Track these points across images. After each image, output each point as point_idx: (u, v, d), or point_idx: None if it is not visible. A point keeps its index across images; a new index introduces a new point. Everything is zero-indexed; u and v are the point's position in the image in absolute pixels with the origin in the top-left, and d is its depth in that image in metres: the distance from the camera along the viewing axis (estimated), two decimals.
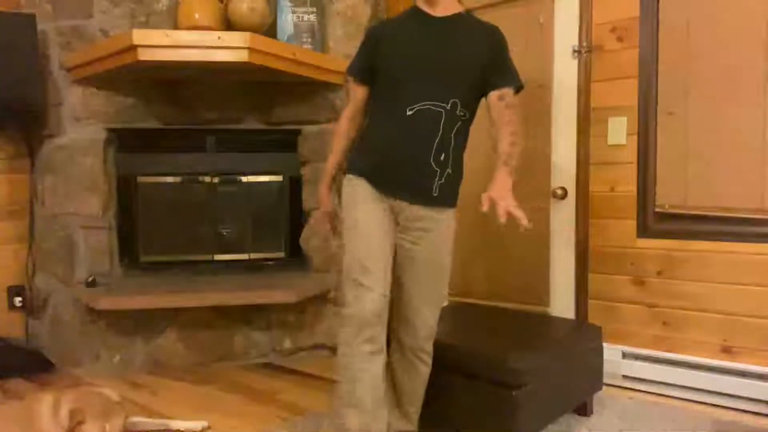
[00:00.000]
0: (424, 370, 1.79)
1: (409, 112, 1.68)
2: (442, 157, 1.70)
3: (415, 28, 1.75)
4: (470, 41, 1.74)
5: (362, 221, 1.70)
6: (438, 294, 1.77)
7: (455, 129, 1.72)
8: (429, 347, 1.77)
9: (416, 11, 1.78)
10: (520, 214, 1.48)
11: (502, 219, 1.50)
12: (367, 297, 1.61)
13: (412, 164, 1.69)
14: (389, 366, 1.83)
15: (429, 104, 1.68)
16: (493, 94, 1.75)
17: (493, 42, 1.77)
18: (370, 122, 1.82)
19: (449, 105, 1.69)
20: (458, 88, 1.71)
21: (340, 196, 1.87)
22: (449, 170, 1.72)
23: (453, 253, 1.82)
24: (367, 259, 1.64)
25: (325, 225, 1.99)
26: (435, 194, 1.71)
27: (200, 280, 3.01)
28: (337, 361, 1.66)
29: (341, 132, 1.92)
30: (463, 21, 1.77)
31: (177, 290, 2.77)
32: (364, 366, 1.61)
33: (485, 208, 1.51)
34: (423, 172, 1.69)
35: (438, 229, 1.74)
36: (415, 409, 1.84)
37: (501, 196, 1.53)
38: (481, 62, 1.73)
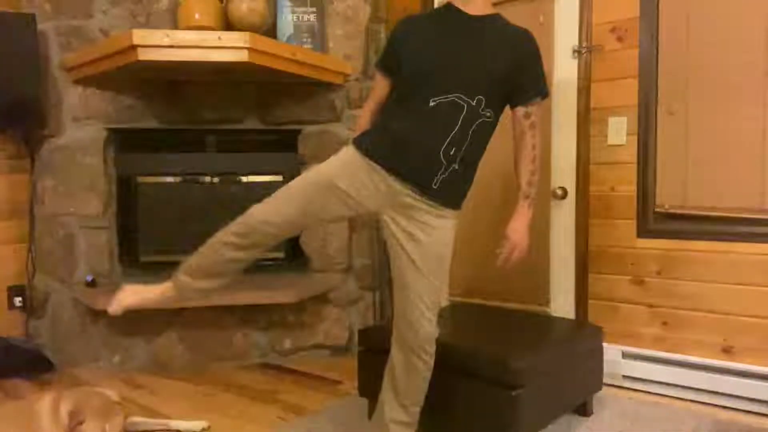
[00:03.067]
0: (424, 369, 1.77)
1: (432, 103, 1.68)
2: (452, 151, 1.68)
3: (446, 23, 1.77)
4: (500, 43, 1.74)
5: (310, 177, 1.77)
6: (436, 294, 1.76)
7: (474, 126, 1.70)
8: (430, 347, 1.76)
9: (450, 7, 1.79)
10: (517, 256, 1.83)
11: (505, 256, 1.82)
12: (257, 213, 1.81)
13: (420, 150, 1.67)
14: (390, 359, 1.83)
15: (453, 97, 1.68)
16: (520, 110, 1.78)
17: (525, 48, 1.78)
18: (389, 107, 1.84)
19: (474, 101, 1.69)
20: (484, 86, 1.70)
21: None
22: (456, 166, 1.70)
23: (453, 253, 1.81)
24: (280, 201, 1.79)
25: None
26: (435, 186, 1.69)
27: None
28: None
29: (362, 125, 1.94)
30: (496, 22, 1.78)
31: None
32: (219, 249, 1.93)
33: (503, 251, 1.82)
34: (428, 161, 1.68)
35: (436, 226, 1.71)
36: (413, 404, 1.83)
37: (519, 241, 1.81)
38: (508, 65, 1.72)
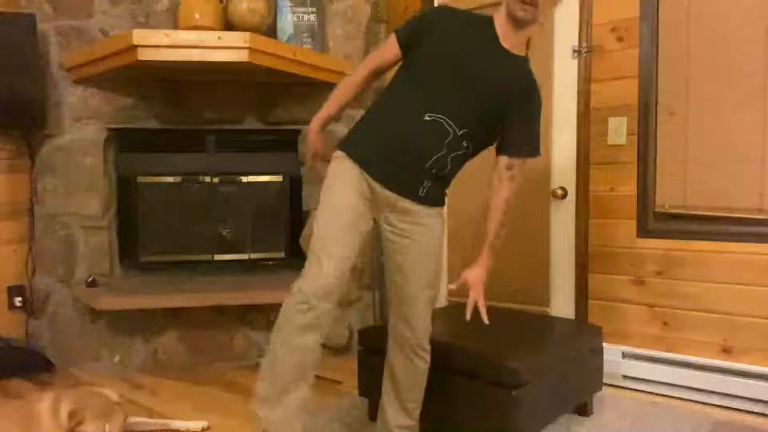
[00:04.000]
0: (423, 366, 1.79)
1: (427, 118, 1.63)
2: (434, 170, 1.69)
3: (479, 43, 1.65)
4: (513, 85, 1.69)
5: (337, 203, 1.67)
6: (432, 289, 1.77)
7: (454, 154, 1.69)
8: (426, 344, 1.77)
9: (489, 28, 1.66)
10: (483, 312, 1.74)
11: (468, 312, 1.74)
12: (320, 275, 1.60)
13: (410, 164, 1.67)
14: (388, 362, 1.84)
15: (444, 120, 1.64)
16: (504, 159, 1.74)
17: (531, 100, 1.72)
18: (381, 108, 1.75)
19: (460, 131, 1.66)
20: (478, 122, 1.67)
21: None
22: (436, 180, 1.72)
23: (454, 254, 1.82)
24: (329, 239, 1.64)
25: (315, 166, 1.94)
26: (421, 194, 1.71)
27: (200, 280, 3.01)
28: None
29: (354, 82, 1.80)
30: (523, 67, 1.70)
31: (177, 290, 2.77)
32: (292, 338, 1.61)
33: (454, 287, 1.76)
34: (416, 174, 1.68)
35: (427, 224, 1.73)
36: (415, 405, 1.84)
37: (476, 285, 1.75)
38: (510, 108, 1.69)
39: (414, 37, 1.68)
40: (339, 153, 1.75)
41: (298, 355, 1.61)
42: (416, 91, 1.66)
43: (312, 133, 1.88)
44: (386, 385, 1.85)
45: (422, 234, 1.72)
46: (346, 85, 1.83)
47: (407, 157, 1.66)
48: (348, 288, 1.70)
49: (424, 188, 1.70)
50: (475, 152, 1.75)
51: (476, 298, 1.75)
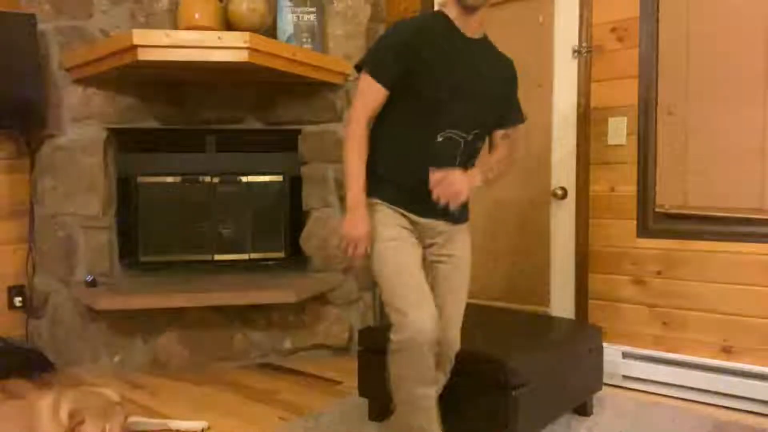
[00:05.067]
0: (444, 381, 1.82)
1: (439, 139, 1.63)
2: None
3: (454, 47, 1.63)
4: (499, 70, 1.73)
5: (396, 253, 1.63)
6: (463, 303, 1.81)
7: (469, 161, 1.72)
8: (453, 358, 1.80)
9: (447, 23, 1.64)
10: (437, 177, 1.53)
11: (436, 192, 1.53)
12: (418, 322, 1.53)
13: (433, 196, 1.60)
14: (438, 385, 1.82)
15: (453, 133, 1.64)
16: (499, 133, 1.79)
17: (512, 76, 1.78)
18: (386, 147, 1.68)
19: (471, 136, 1.67)
20: (483, 119, 1.69)
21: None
22: None
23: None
24: (409, 289, 1.58)
25: (362, 246, 1.65)
26: (456, 215, 1.74)
27: (200, 280, 3.01)
28: (395, 391, 1.62)
29: (363, 142, 1.63)
30: (490, 48, 1.73)
31: (177, 290, 2.77)
32: (425, 394, 1.60)
33: (433, 179, 1.53)
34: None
35: (461, 242, 1.78)
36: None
37: (453, 179, 1.53)
38: (504, 97, 1.74)
39: (400, 70, 1.59)
40: (372, 200, 1.68)
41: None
42: (422, 119, 1.62)
43: (363, 217, 1.62)
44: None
45: (458, 254, 1.77)
46: (358, 148, 1.63)
47: (431, 194, 1.57)
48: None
49: (454, 212, 1.70)
50: (483, 145, 1.78)
51: (445, 188, 1.54)
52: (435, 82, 1.60)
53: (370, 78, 1.61)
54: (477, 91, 1.66)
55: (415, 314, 1.53)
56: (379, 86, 1.60)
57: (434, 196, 1.53)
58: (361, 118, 1.62)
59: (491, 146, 1.82)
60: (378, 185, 1.67)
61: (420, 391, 1.59)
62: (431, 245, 1.76)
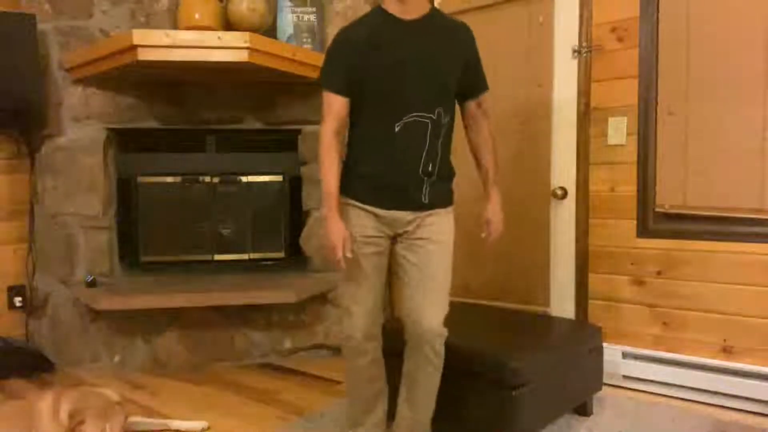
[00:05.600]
0: (434, 371, 1.78)
1: (397, 128, 1.69)
2: (429, 167, 1.74)
3: (392, 35, 1.68)
4: (448, 43, 1.74)
5: (360, 255, 1.76)
6: (443, 292, 1.78)
7: (441, 138, 1.75)
8: (439, 347, 1.76)
9: (384, 14, 1.71)
10: (491, 235, 1.90)
11: (491, 237, 1.90)
12: (357, 323, 1.79)
13: (403, 180, 1.73)
14: (406, 371, 1.83)
15: (416, 116, 1.69)
16: (472, 103, 1.83)
17: (468, 42, 1.78)
18: (355, 143, 1.79)
19: (435, 114, 1.71)
20: (443, 94, 1.72)
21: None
22: (435, 177, 1.76)
23: (453, 254, 1.82)
24: (359, 291, 1.79)
25: (345, 249, 1.71)
26: (425, 201, 1.76)
27: (200, 280, 3.01)
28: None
29: (332, 150, 1.73)
30: (435, 21, 1.74)
31: (177, 290, 2.77)
32: (362, 375, 1.86)
33: (486, 235, 1.90)
34: (413, 185, 1.74)
35: (434, 222, 1.78)
36: (425, 410, 1.83)
37: (499, 222, 1.89)
38: (460, 64, 1.75)
39: (348, 74, 1.70)
40: (345, 199, 1.79)
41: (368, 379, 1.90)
42: (376, 112, 1.71)
43: (336, 222, 1.71)
44: (401, 390, 1.85)
45: (433, 237, 1.77)
46: (330, 156, 1.73)
47: (398, 184, 1.73)
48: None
49: (425, 195, 1.75)
50: (452, 119, 1.80)
51: (497, 233, 1.90)
52: (378, 74, 1.68)
53: (326, 91, 1.74)
54: (426, 70, 1.69)
55: (354, 310, 1.80)
56: (335, 95, 1.72)
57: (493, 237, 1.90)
58: (328, 131, 1.73)
59: (467, 119, 1.86)
60: (350, 182, 1.78)
61: (361, 384, 1.88)
62: (401, 234, 1.79)
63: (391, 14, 1.70)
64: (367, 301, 1.79)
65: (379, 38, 1.69)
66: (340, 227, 1.69)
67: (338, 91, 1.72)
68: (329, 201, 1.71)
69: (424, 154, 1.71)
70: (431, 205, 1.77)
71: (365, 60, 1.68)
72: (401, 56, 1.68)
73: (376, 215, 1.77)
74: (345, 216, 1.77)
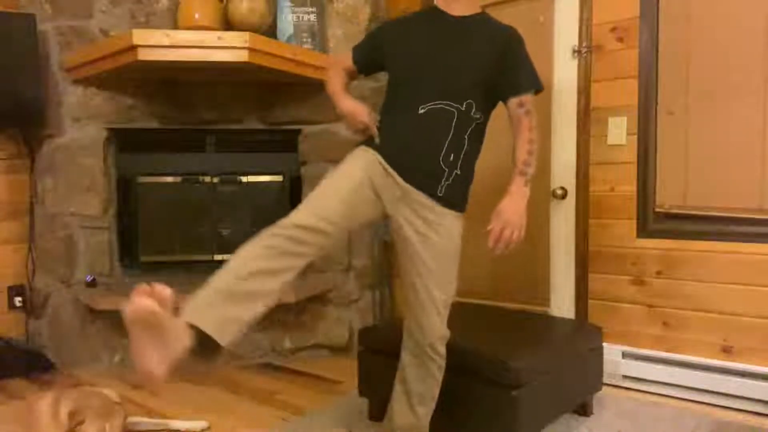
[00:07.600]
0: (436, 371, 1.77)
1: (421, 111, 1.70)
2: (451, 158, 1.71)
3: (428, 27, 1.78)
4: (482, 41, 1.74)
5: (344, 180, 1.67)
6: (445, 292, 1.75)
7: (469, 131, 1.73)
8: (441, 348, 1.75)
9: (434, 10, 1.81)
10: (499, 242, 1.67)
11: (497, 249, 1.68)
12: (300, 215, 1.60)
13: (422, 156, 1.70)
14: (402, 365, 1.83)
15: (441, 104, 1.70)
16: (513, 101, 1.77)
17: (508, 43, 1.77)
18: (382, 118, 1.81)
19: (463, 106, 1.71)
20: (471, 88, 1.72)
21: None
22: (457, 171, 1.73)
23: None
24: (324, 204, 1.62)
25: (364, 114, 1.76)
26: (440, 194, 1.71)
27: (200, 280, 2.99)
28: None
29: (337, 67, 1.95)
30: (480, 22, 1.78)
31: (177, 290, 2.76)
32: (252, 253, 1.69)
33: (491, 228, 1.68)
34: (431, 168, 1.70)
35: (444, 224, 1.72)
36: (425, 410, 1.82)
37: (510, 220, 1.67)
38: (491, 63, 1.73)
39: (376, 54, 1.86)
40: (364, 146, 1.78)
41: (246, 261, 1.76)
42: (402, 95, 1.75)
43: (347, 99, 1.82)
44: (397, 388, 1.84)
45: (441, 235, 1.71)
46: (337, 69, 1.95)
47: (420, 153, 1.70)
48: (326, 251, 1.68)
49: (442, 187, 1.71)
50: (486, 118, 1.79)
51: (512, 234, 1.66)
52: (399, 66, 1.78)
53: (352, 54, 1.94)
54: (457, 62, 1.72)
55: (300, 208, 1.62)
56: (350, 57, 1.93)
57: (497, 247, 1.67)
58: (334, 63, 2.00)
59: (510, 118, 1.78)
60: (371, 138, 1.78)
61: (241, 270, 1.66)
62: (407, 218, 1.71)
63: (439, 9, 1.80)
64: (324, 209, 1.59)
65: (413, 29, 1.80)
66: (350, 101, 1.81)
67: (354, 59, 1.92)
68: (335, 95, 1.86)
69: (448, 141, 1.70)
70: (444, 201, 1.71)
71: (390, 48, 1.81)
72: (434, 45, 1.74)
73: (388, 173, 1.70)
74: (360, 155, 1.73)
